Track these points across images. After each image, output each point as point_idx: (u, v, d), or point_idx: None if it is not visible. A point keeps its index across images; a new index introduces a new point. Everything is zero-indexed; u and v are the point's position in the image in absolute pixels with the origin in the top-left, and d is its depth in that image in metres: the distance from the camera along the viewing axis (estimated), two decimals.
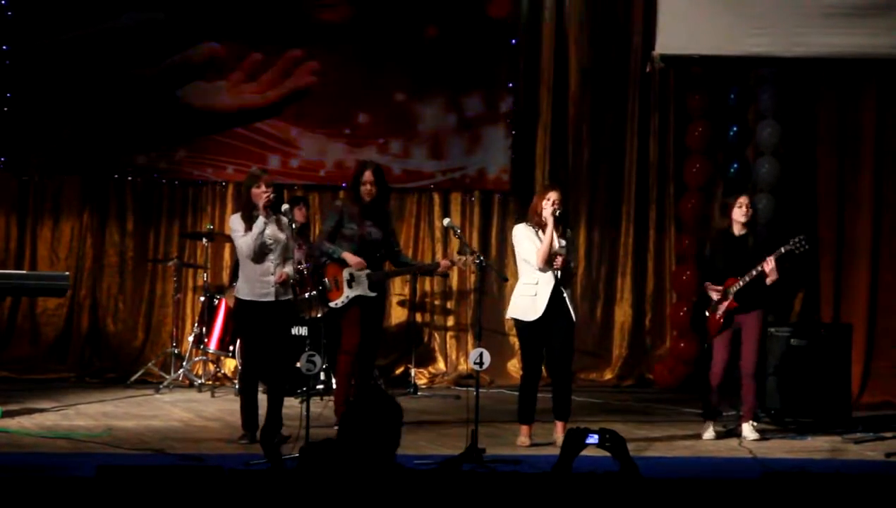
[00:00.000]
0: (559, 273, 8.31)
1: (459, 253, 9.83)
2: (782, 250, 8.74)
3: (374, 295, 9.01)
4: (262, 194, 8.25)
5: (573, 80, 12.35)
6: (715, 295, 8.85)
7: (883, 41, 10.53)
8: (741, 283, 8.77)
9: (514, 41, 12.10)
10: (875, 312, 11.59)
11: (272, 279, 8.30)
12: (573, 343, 8.56)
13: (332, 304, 8.98)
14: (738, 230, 8.90)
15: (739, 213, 8.87)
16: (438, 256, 12.06)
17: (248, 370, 8.49)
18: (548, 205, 8.29)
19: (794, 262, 8.80)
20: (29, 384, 10.95)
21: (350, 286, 8.97)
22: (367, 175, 9.00)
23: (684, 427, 9.45)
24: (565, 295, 8.34)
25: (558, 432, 8.29)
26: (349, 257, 8.93)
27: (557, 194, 8.36)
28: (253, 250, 8.25)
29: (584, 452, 5.27)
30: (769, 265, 8.66)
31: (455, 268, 11.98)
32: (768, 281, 8.72)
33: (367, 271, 9.01)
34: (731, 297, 8.80)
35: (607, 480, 5.10)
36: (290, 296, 8.40)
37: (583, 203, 12.37)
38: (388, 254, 9.27)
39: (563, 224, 8.40)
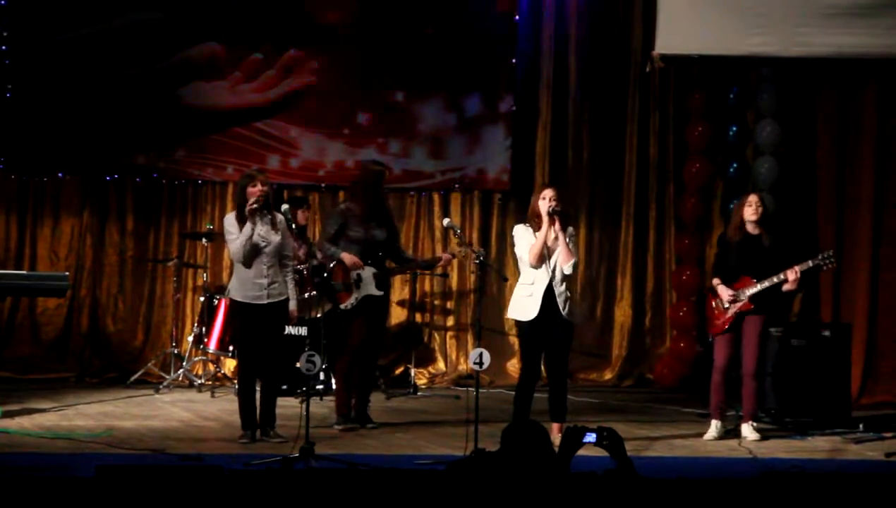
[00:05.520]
0: (553, 272, 8.28)
1: (460, 245, 9.73)
2: (810, 263, 8.76)
3: (381, 293, 9.05)
4: (256, 194, 8.23)
5: (573, 80, 12.35)
6: (727, 296, 8.80)
7: (883, 41, 10.53)
8: (759, 287, 8.75)
9: (513, 41, 12.09)
10: (875, 312, 11.58)
11: (265, 282, 8.27)
12: (570, 343, 8.53)
13: (342, 306, 8.97)
14: (751, 229, 8.89)
15: (750, 212, 8.85)
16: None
17: (245, 370, 8.49)
18: (544, 204, 8.28)
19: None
20: (29, 384, 10.95)
21: (358, 287, 8.98)
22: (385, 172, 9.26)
23: (684, 427, 9.44)
24: (556, 292, 8.29)
25: (554, 433, 8.27)
26: (346, 257, 8.95)
27: (553, 191, 8.32)
28: (243, 254, 8.22)
29: (582, 451, 5.28)
30: (795, 275, 8.67)
31: (454, 266, 12.03)
32: (787, 288, 8.75)
33: (374, 270, 9.02)
34: (746, 299, 8.79)
35: (605, 479, 5.10)
36: (284, 298, 8.37)
37: (583, 203, 12.37)
38: (391, 253, 9.28)
39: (563, 221, 8.36)
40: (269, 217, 8.25)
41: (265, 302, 8.28)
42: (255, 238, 8.21)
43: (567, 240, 8.29)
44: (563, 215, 8.33)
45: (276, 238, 8.27)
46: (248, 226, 8.18)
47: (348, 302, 8.96)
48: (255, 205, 8.16)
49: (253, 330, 8.32)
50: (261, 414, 8.36)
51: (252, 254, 8.22)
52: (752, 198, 8.91)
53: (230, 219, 8.36)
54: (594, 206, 12.42)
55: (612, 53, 12.38)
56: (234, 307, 8.47)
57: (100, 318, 11.77)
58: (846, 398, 9.84)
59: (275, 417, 8.38)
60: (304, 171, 11.90)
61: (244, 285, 8.30)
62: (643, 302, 12.43)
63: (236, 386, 10.55)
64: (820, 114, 11.97)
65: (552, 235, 8.26)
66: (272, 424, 8.36)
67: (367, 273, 9.01)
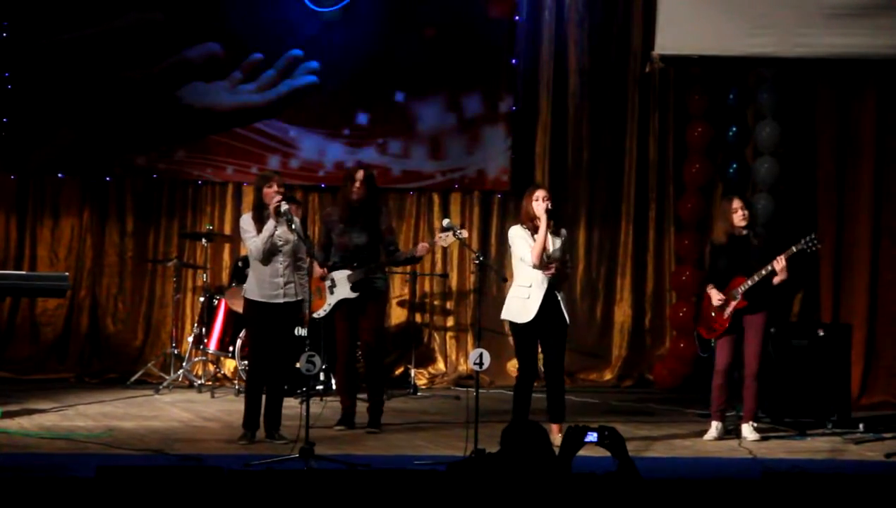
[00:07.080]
0: (552, 275, 8.30)
1: (442, 231, 9.45)
2: (794, 249, 8.76)
3: (355, 295, 8.97)
4: (272, 194, 8.26)
5: (573, 80, 12.35)
6: (717, 300, 8.81)
7: (883, 41, 10.55)
8: (749, 283, 8.76)
9: (513, 41, 12.09)
10: (875, 312, 11.59)
11: (281, 281, 8.31)
12: (565, 345, 8.55)
13: (314, 315, 8.95)
14: (738, 232, 8.90)
15: (738, 218, 8.86)
16: (437, 257, 12.08)
17: (256, 370, 8.49)
18: (538, 204, 8.28)
19: (798, 262, 8.81)
20: (29, 384, 10.95)
21: (332, 292, 9.01)
22: (360, 174, 8.99)
23: (684, 427, 9.45)
24: (559, 297, 8.31)
25: (554, 434, 8.26)
26: (315, 269, 8.91)
27: (544, 192, 8.35)
28: (262, 252, 8.27)
29: (584, 451, 5.28)
30: (780, 264, 8.67)
31: (454, 266, 12.02)
32: (777, 280, 8.74)
33: (347, 273, 8.99)
34: (740, 297, 8.79)
35: (606, 480, 5.10)
36: (300, 298, 8.38)
37: (583, 203, 12.37)
38: (376, 254, 9.14)
39: (556, 220, 8.36)
40: (286, 218, 8.27)
41: (281, 300, 8.32)
42: (273, 236, 8.25)
43: (561, 242, 8.29)
44: (557, 215, 8.32)
45: (292, 237, 8.31)
46: (270, 222, 8.23)
47: (321, 310, 9.01)
48: (281, 203, 8.19)
49: (267, 329, 8.35)
50: (266, 416, 8.37)
51: (270, 252, 8.26)
52: (737, 204, 8.91)
53: (247, 219, 8.42)
54: (594, 206, 12.42)
55: (611, 54, 12.38)
56: (249, 307, 8.50)
57: (99, 319, 11.77)
58: (846, 398, 9.83)
59: (280, 420, 8.38)
60: (303, 172, 11.89)
61: (261, 284, 8.35)
62: (643, 302, 12.43)
63: (236, 387, 10.59)
64: (820, 114, 11.97)
65: (551, 238, 8.25)
66: (277, 427, 8.36)
67: (341, 276, 8.99)
